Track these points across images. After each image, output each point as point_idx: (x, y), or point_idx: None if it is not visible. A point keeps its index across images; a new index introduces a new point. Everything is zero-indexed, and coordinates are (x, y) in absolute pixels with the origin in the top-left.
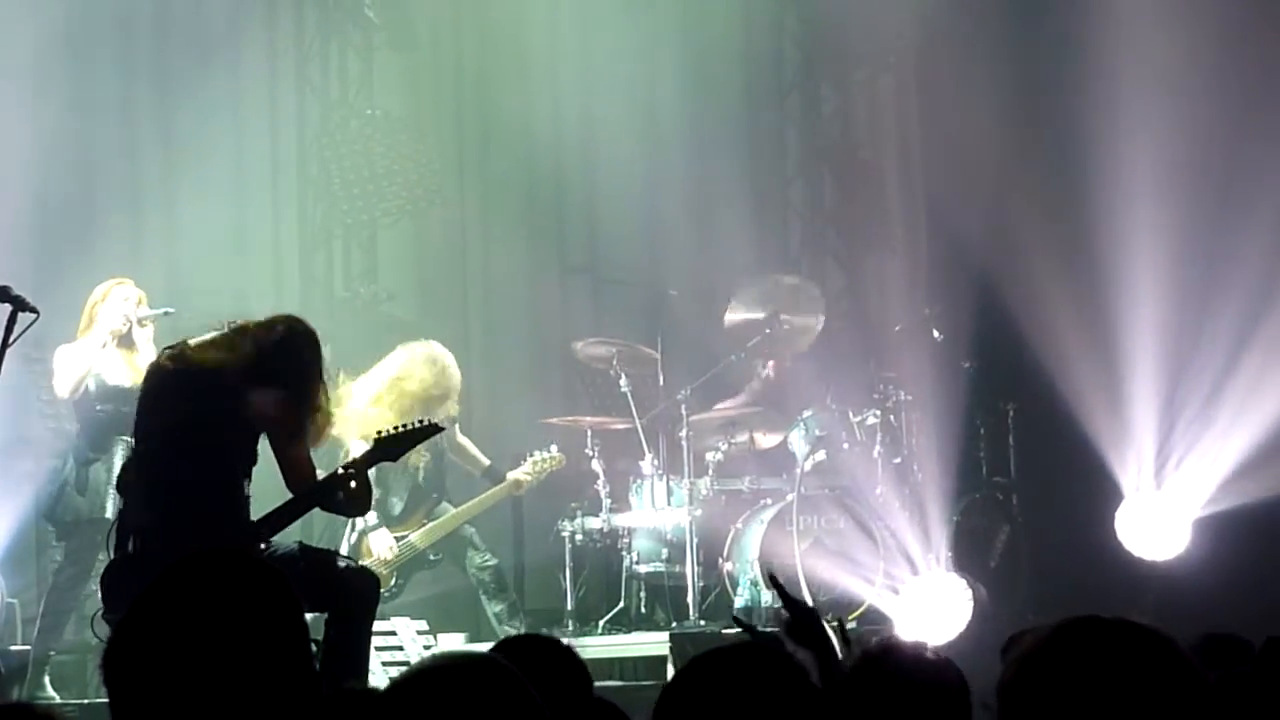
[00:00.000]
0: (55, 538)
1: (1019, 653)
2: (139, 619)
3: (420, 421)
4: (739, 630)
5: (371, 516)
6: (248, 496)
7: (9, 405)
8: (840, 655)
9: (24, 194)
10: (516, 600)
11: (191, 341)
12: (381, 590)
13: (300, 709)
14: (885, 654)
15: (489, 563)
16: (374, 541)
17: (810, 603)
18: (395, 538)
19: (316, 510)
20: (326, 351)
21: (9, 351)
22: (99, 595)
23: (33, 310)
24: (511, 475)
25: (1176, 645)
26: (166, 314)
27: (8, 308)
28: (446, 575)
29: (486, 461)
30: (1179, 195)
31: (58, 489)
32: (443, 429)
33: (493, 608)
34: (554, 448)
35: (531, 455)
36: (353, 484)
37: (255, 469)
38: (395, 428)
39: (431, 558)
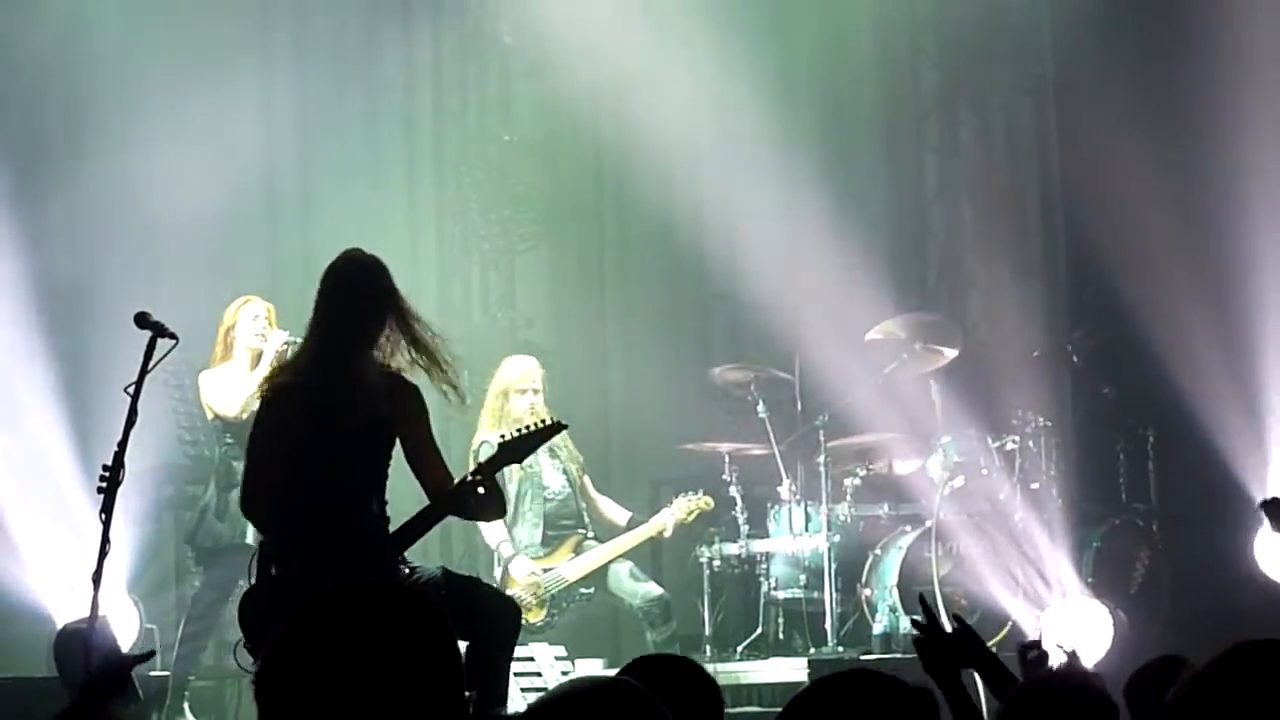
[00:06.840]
0: (194, 563)
1: (1193, 671)
2: (295, 644)
3: (542, 421)
4: (887, 656)
5: (507, 547)
6: (384, 511)
7: (149, 432)
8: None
9: (161, 219)
10: (676, 630)
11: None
12: (535, 622)
13: None
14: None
15: (654, 594)
16: (514, 569)
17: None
18: (543, 569)
19: (457, 533)
20: (461, 373)
21: (148, 378)
22: (238, 623)
23: (172, 336)
24: (657, 519)
25: None
26: (297, 342)
27: (147, 334)
28: (587, 602)
29: (626, 515)
30: None
31: (198, 514)
32: (565, 426)
33: (654, 636)
34: (701, 491)
35: (685, 495)
36: (480, 489)
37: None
38: (517, 430)
39: (583, 591)
